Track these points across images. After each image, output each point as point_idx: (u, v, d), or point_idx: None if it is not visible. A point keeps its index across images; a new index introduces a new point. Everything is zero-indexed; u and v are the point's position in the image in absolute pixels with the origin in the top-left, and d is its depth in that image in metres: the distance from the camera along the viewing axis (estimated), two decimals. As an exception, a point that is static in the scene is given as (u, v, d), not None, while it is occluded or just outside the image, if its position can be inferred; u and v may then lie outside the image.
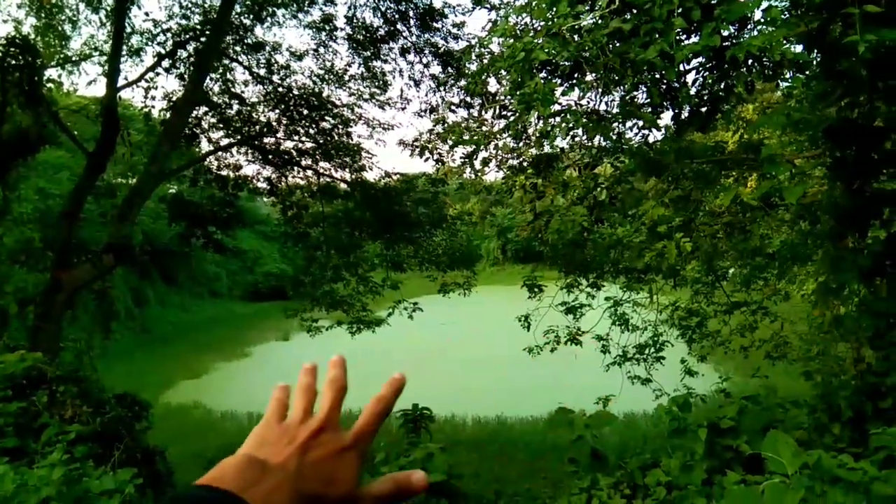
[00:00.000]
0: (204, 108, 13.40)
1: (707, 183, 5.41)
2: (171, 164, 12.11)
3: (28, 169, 13.16)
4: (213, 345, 28.64)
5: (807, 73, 4.12)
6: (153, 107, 13.09)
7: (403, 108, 14.08)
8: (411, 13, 12.69)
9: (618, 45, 3.41)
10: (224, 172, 14.31)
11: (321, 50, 13.57)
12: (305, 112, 13.92)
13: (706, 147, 6.47)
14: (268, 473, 0.61)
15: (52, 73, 12.63)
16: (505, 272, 53.51)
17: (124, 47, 11.90)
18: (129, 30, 12.25)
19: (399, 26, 12.86)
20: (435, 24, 12.62)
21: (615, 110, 3.84)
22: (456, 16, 12.76)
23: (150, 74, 12.64)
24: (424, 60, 13.18)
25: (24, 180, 14.07)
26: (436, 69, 13.26)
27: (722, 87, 3.74)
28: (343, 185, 14.88)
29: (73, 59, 13.50)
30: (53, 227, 14.79)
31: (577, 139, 4.84)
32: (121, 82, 11.53)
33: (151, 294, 32.19)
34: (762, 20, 3.80)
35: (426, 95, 13.68)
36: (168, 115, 12.46)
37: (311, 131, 14.18)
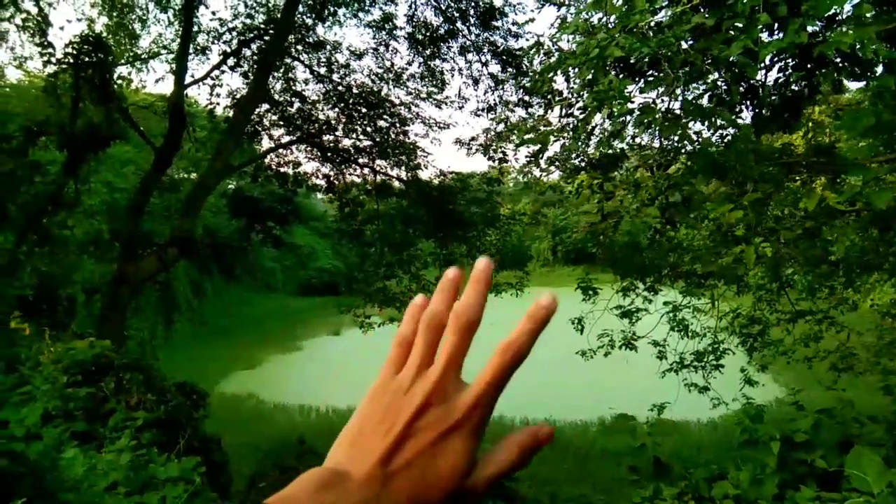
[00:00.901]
0: (266, 106, 13.69)
1: (776, 186, 5.21)
2: (233, 161, 12.40)
3: (98, 163, 13.65)
4: (267, 337, 29.29)
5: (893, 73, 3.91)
6: (218, 104, 13.45)
7: (461, 108, 14.09)
8: (472, 11, 12.67)
9: (698, 41, 3.30)
10: (283, 169, 14.60)
11: (380, 49, 13.70)
12: (363, 110, 14.07)
13: (773, 149, 6.24)
14: (348, 494, 0.50)
15: (122, 70, 13.13)
16: (555, 273, 53.04)
17: (191, 46, 12.25)
18: (196, 28, 12.61)
19: (459, 25, 12.86)
20: (495, 23, 12.57)
21: (691, 108, 3.72)
22: (517, 14, 12.70)
23: (216, 72, 12.99)
24: (483, 59, 13.15)
25: (94, 174, 14.62)
26: (494, 68, 13.22)
27: (805, 86, 3.58)
28: (398, 184, 14.98)
29: (143, 56, 14.00)
30: (120, 219, 15.37)
31: (647, 139, 4.74)
32: (187, 80, 11.87)
33: (210, 287, 33.10)
34: (850, 16, 3.63)
35: (484, 94, 13.65)
36: (232, 112, 12.78)
37: (369, 129, 14.32)
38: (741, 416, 4.12)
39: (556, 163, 4.76)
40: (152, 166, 11.33)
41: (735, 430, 4.18)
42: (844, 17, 3.39)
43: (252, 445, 12.22)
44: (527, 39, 12.83)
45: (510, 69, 12.88)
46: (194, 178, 15.40)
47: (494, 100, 13.42)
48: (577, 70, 4.17)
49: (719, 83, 3.67)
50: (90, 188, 14.01)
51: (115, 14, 13.23)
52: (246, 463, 10.45)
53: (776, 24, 3.64)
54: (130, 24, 13.60)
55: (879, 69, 3.84)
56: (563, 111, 4.71)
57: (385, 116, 14.16)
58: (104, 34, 12.17)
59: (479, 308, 0.57)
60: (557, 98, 4.87)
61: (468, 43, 13.08)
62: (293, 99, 14.11)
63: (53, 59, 10.20)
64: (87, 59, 10.07)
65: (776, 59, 3.71)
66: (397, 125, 14.18)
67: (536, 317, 0.57)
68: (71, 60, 9.96)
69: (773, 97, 3.84)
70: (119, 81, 12.02)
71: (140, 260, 10.64)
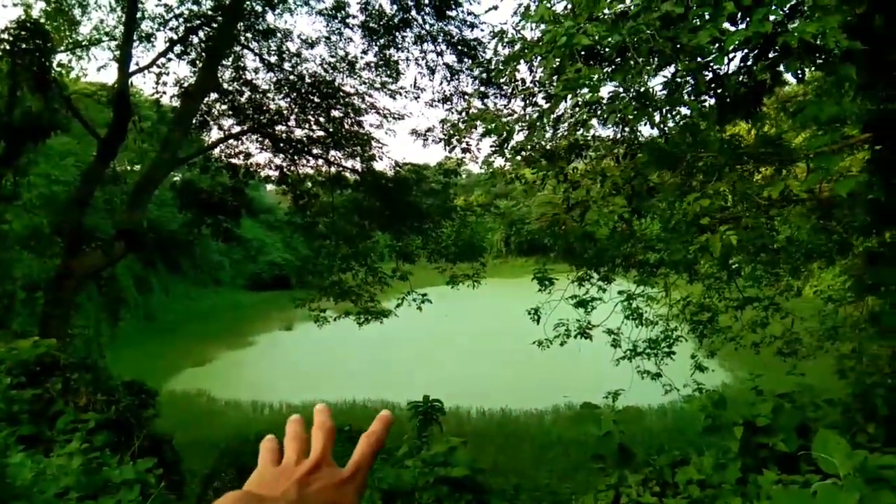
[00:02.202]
0: (215, 96, 13.27)
1: (720, 177, 5.31)
2: (181, 152, 11.98)
3: (37, 154, 13.04)
4: (217, 333, 28.65)
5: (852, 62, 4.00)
6: (164, 93, 12.97)
7: (417, 98, 13.92)
8: (426, 1, 12.53)
9: (666, 30, 3.30)
10: (234, 160, 14.20)
11: (333, 38, 13.43)
12: (317, 100, 13.80)
13: (721, 140, 6.36)
14: None
15: (62, 57, 12.52)
16: (508, 265, 53.51)
17: (135, 32, 11.77)
18: (140, 15, 12.10)
19: (413, 14, 12.70)
20: (450, 13, 12.46)
21: (659, 97, 3.74)
22: (472, 4, 12.61)
23: (162, 60, 12.53)
24: (439, 49, 13.03)
25: (33, 165, 13.95)
26: (450, 58, 13.13)
27: (768, 75, 3.63)
28: (353, 175, 14.77)
29: (84, 43, 13.37)
30: (60, 213, 14.71)
31: (611, 129, 4.75)
32: (132, 68, 11.40)
33: (155, 282, 32.13)
34: (812, 7, 3.69)
35: (440, 85, 13.55)
36: (179, 101, 12.34)
37: (322, 120, 14.06)
38: (705, 403, 4.18)
39: (522, 152, 4.74)
40: (96, 158, 10.86)
41: (685, 414, 4.25)
42: (807, 7, 3.45)
43: (204, 444, 11.92)
44: (482, 30, 12.77)
45: (466, 59, 12.81)
46: (140, 170, 14.85)
47: (450, 90, 13.35)
48: (540, 59, 4.13)
49: (684, 72, 3.69)
50: (29, 181, 13.35)
51: (53, -1, 12.59)
52: (199, 462, 10.18)
53: (739, 14, 3.68)
54: (70, 10, 12.97)
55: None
56: (527, 101, 4.68)
57: (339, 106, 13.91)
58: (42, 20, 11.57)
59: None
60: (521, 87, 4.83)
61: (423, 32, 12.94)
62: (243, 88, 13.73)
63: (-12, 46, 9.67)
64: (24, 45, 9.60)
65: (739, 48, 3.75)
66: (351, 115, 13.96)
67: (384, 421, 0.77)
68: (7, 47, 9.46)
69: (737, 87, 3.89)
70: (59, 69, 11.48)
71: (84, 254, 10.20)
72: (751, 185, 4.39)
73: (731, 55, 3.75)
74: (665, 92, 3.84)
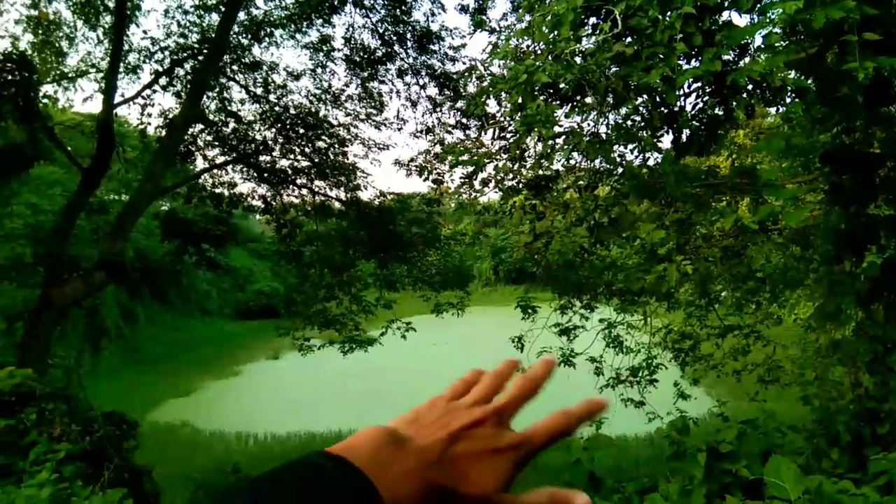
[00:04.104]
0: (200, 126, 13.41)
1: (700, 207, 5.45)
2: (165, 182, 12.07)
3: (20, 184, 13.10)
4: (202, 363, 28.37)
5: (802, 99, 4.17)
6: (149, 124, 13.10)
7: (400, 129, 14.16)
8: (409, 35, 12.82)
9: (619, 68, 3.44)
10: (219, 190, 14.29)
11: (318, 70, 13.67)
12: (301, 131, 13.97)
13: (699, 171, 6.52)
14: (406, 455, 0.55)
15: (47, 88, 12.63)
16: (497, 293, 53.46)
17: (121, 64, 11.92)
18: (126, 47, 12.27)
19: (396, 48, 12.98)
20: (432, 47, 12.74)
21: (615, 133, 3.87)
22: (453, 38, 12.93)
23: (147, 92, 12.68)
24: (421, 82, 13.30)
25: (17, 196, 13.99)
26: (432, 90, 13.39)
27: (722, 111, 3.78)
28: (338, 204, 14.89)
29: (70, 75, 13.50)
30: (44, 242, 14.69)
31: (576, 161, 4.88)
32: (117, 99, 11.55)
33: (141, 312, 31.89)
34: (762, 46, 3.85)
35: (422, 116, 13.79)
36: (164, 132, 12.47)
37: (307, 150, 14.22)
38: (669, 430, 4.25)
39: (491, 184, 4.86)
40: (79, 187, 10.92)
41: (664, 442, 4.31)
42: (757, 46, 3.61)
43: (185, 476, 11.77)
44: (463, 63, 13.06)
45: (447, 91, 13.06)
46: (124, 200, 14.90)
47: (433, 122, 13.58)
48: (507, 94, 4.27)
49: (641, 108, 3.84)
50: (12, 210, 13.38)
51: (40, 32, 12.75)
52: (180, 493, 10.06)
53: (693, 52, 3.84)
54: (57, 42, 13.13)
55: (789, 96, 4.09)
56: (496, 134, 4.82)
57: (324, 137, 14.09)
58: (29, 52, 11.71)
59: (538, 386, 0.68)
60: (490, 121, 4.97)
61: (406, 66, 13.21)
62: (228, 119, 13.89)
63: (-27, 77, 9.77)
64: (9, 77, 9.70)
65: (694, 85, 3.90)
66: (336, 146, 14.14)
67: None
68: (-8, 79, 9.58)
69: (692, 122, 4.04)
70: (44, 100, 11.58)
71: (65, 284, 10.19)
72: (705, 217, 4.52)
73: (687, 93, 3.90)
74: (626, 126, 3.98)
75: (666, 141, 4.72)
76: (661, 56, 3.57)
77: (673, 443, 4.29)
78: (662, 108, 3.85)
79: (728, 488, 4.18)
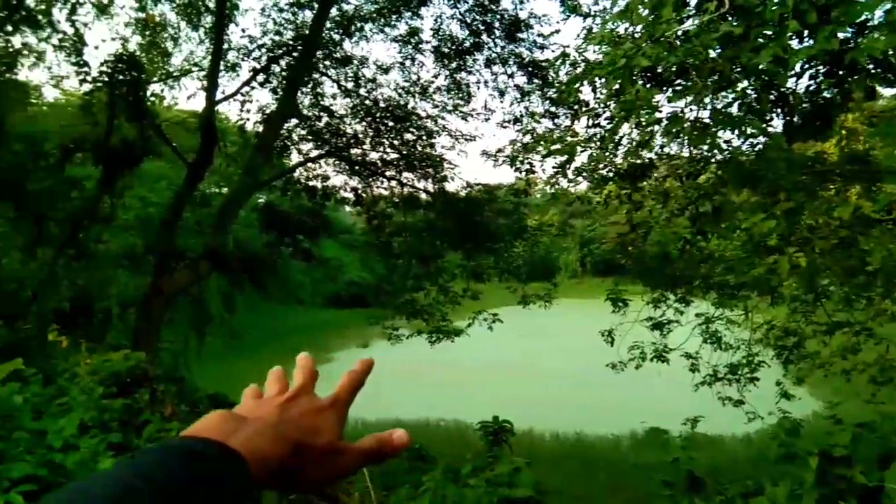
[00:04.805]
0: (295, 121, 13.87)
1: (808, 195, 5.10)
2: (263, 175, 12.56)
3: (132, 178, 13.96)
4: (298, 350, 29.17)
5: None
6: (248, 119, 13.66)
7: (487, 119, 14.10)
8: (497, 24, 12.72)
9: (725, 50, 3.26)
10: (312, 183, 14.77)
11: (407, 63, 13.81)
12: (390, 124, 14.19)
13: (806, 158, 6.12)
14: (248, 423, 0.64)
15: (154, 87, 13.41)
16: (584, 285, 52.57)
17: (222, 63, 12.49)
18: (226, 46, 12.84)
19: (484, 37, 12.91)
20: (520, 35, 12.60)
21: (718, 118, 3.67)
22: (542, 26, 12.74)
23: (246, 89, 13.21)
24: (509, 71, 13.18)
25: (128, 189, 14.95)
26: (520, 79, 13.24)
27: (837, 93, 3.51)
28: (425, 196, 15.04)
29: (175, 74, 14.29)
30: (153, 233, 15.68)
31: (674, 148, 4.68)
32: (218, 96, 12.10)
33: (241, 300, 33.48)
34: (882, 22, 3.55)
35: (510, 106, 13.67)
36: (261, 127, 12.97)
37: (396, 143, 14.43)
38: (777, 431, 4.02)
39: (584, 173, 4.73)
40: (185, 181, 11.54)
41: (771, 444, 4.08)
42: (876, 22, 3.33)
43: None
44: (552, 51, 12.81)
45: (536, 81, 12.88)
46: (225, 193, 15.66)
47: (521, 111, 13.43)
48: (603, 80, 4.15)
49: (749, 91, 3.62)
50: (125, 203, 14.31)
51: (147, 33, 13.55)
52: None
53: (806, 31, 3.59)
54: (163, 43, 13.92)
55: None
56: (590, 121, 4.69)
57: (412, 129, 14.25)
58: (137, 53, 12.46)
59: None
60: (584, 109, 4.85)
61: (494, 55, 13.13)
62: (321, 113, 14.28)
63: (89, 78, 10.49)
64: (121, 77, 10.32)
65: (807, 66, 3.65)
66: (424, 138, 14.27)
67: (365, 365, 0.84)
68: (106, 79, 10.22)
69: (805, 105, 3.77)
70: (152, 98, 12.30)
71: (174, 273, 10.82)
72: (820, 206, 4.22)
73: (798, 74, 3.65)
74: (730, 111, 3.77)
75: (774, 126, 4.45)
76: (772, 35, 3.36)
77: (781, 444, 4.06)
78: (772, 92, 3.63)
79: (842, 495, 3.91)
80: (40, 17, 11.72)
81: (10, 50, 11.91)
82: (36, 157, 11.19)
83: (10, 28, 11.34)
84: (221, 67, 12.46)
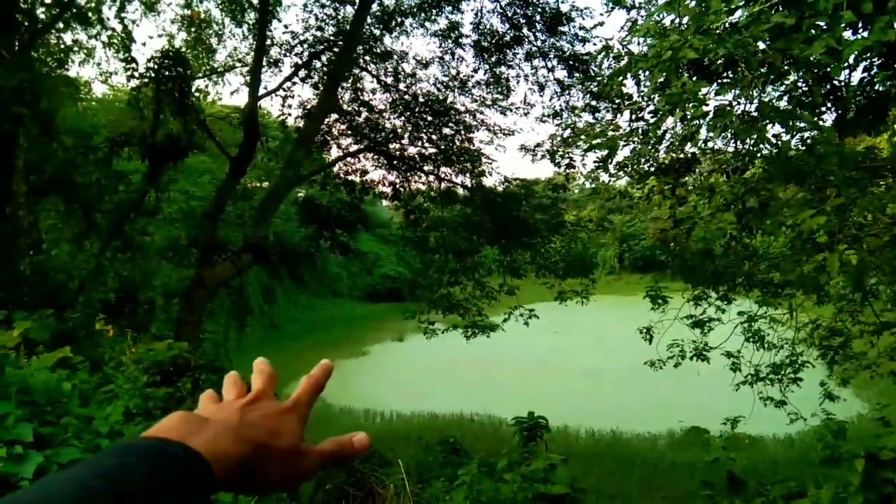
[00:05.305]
0: (335, 116, 14.01)
1: (859, 191, 4.95)
2: (303, 170, 12.73)
3: (177, 172, 14.28)
4: (334, 342, 29.87)
5: None
6: (289, 115, 13.86)
7: (526, 114, 14.06)
8: (538, 18, 12.64)
9: (776, 41, 3.18)
10: (351, 177, 14.91)
11: (446, 57, 13.82)
12: (429, 119, 14.23)
13: (856, 152, 5.93)
14: (209, 424, 0.64)
15: (199, 83, 13.70)
16: (622, 282, 52.01)
17: (264, 59, 12.68)
18: (269, 42, 13.05)
19: (525, 31, 12.84)
20: (562, 29, 12.49)
21: (768, 111, 3.58)
22: (584, 19, 12.60)
23: (288, 84, 13.40)
24: (549, 65, 13.08)
25: (173, 183, 15.30)
26: (561, 73, 13.13)
27: (891, 86, 3.39)
28: (462, 191, 15.05)
29: (219, 70, 14.59)
30: (196, 226, 16.03)
31: (720, 143, 4.59)
32: (261, 91, 12.30)
33: (280, 292, 34.06)
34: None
35: (550, 100, 13.58)
36: (302, 122, 13.14)
37: (434, 137, 14.46)
38: (822, 432, 3.93)
39: (626, 168, 4.68)
40: (227, 175, 11.77)
41: (814, 446, 3.99)
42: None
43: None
44: (594, 44, 12.66)
45: (577, 74, 12.76)
46: (266, 187, 15.91)
47: (561, 105, 13.33)
48: (648, 73, 4.09)
49: (799, 84, 3.53)
50: (169, 196, 14.66)
51: (193, 30, 13.85)
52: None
53: (860, 22, 3.48)
54: (207, 39, 14.22)
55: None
56: (633, 115, 4.63)
57: (450, 124, 14.26)
58: (183, 49, 12.73)
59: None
60: (627, 102, 4.79)
61: (534, 49, 13.04)
62: (361, 108, 14.40)
63: (136, 74, 10.76)
64: (167, 73, 10.55)
65: (861, 58, 3.54)
66: (462, 132, 14.26)
67: (324, 368, 0.82)
68: (152, 75, 10.46)
69: (858, 98, 3.66)
70: (196, 94, 12.56)
71: (216, 265, 11.05)
72: (871, 203, 4.09)
73: (851, 66, 3.54)
74: (779, 105, 3.68)
75: (825, 120, 4.32)
76: (825, 26, 3.27)
77: (826, 446, 3.97)
78: (824, 84, 3.53)
79: (889, 499, 3.80)
80: (90, 14, 12.08)
81: (62, 46, 12.31)
82: (85, 152, 11.54)
83: (61, 25, 11.71)
84: (264, 63, 12.66)
